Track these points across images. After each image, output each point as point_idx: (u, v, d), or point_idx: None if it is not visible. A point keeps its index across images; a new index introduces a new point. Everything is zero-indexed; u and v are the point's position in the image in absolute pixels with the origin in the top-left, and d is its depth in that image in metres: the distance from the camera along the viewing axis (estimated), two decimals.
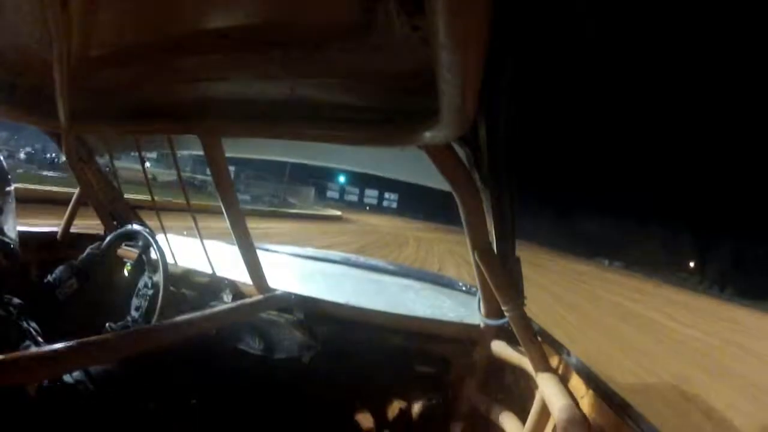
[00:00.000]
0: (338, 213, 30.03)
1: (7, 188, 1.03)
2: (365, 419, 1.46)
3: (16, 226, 1.05)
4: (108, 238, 1.44)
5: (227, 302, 1.39)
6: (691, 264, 46.97)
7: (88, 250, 1.38)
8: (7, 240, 0.98)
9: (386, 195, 64.35)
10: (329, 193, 57.36)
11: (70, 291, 1.24)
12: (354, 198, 61.68)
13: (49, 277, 1.25)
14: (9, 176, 1.06)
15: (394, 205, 65.04)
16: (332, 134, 0.83)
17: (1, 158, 1.06)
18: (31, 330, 0.94)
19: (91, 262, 1.35)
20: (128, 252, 1.61)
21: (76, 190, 1.67)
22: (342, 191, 60.20)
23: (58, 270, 1.27)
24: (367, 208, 58.98)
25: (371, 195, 63.25)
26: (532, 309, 1.11)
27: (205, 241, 1.50)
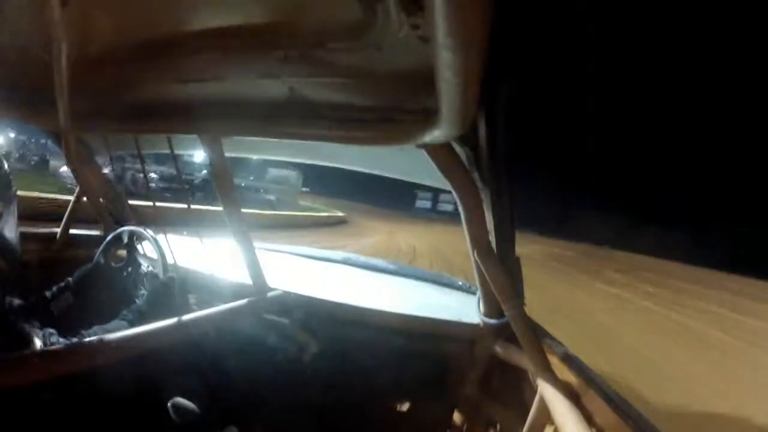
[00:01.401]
0: (340, 214, 21.93)
1: (10, 190, 1.03)
2: (365, 419, 1.46)
3: (17, 227, 1.05)
4: (102, 245, 1.43)
5: (227, 302, 1.39)
6: None
7: (79, 270, 1.36)
8: (7, 242, 0.98)
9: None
10: (419, 203, 46.56)
11: (65, 305, 1.24)
12: (426, 204, 49.23)
13: (46, 293, 1.25)
14: (11, 177, 1.06)
15: None
16: (332, 134, 0.83)
17: (3, 160, 1.06)
18: (32, 331, 0.94)
19: (85, 276, 1.34)
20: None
21: (76, 190, 1.67)
22: (435, 200, 47.91)
23: (54, 288, 1.27)
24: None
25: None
26: None
27: (205, 241, 1.50)
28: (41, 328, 0.97)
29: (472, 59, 0.46)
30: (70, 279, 1.31)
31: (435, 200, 50.69)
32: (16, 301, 0.98)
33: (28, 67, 0.96)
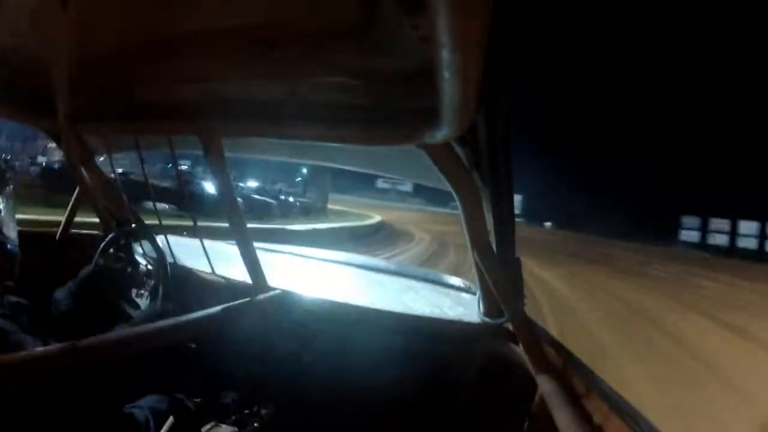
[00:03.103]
0: (377, 219, 17.17)
1: (7, 188, 1.03)
2: (365, 419, 1.46)
3: (16, 226, 1.05)
4: (102, 245, 1.42)
5: (227, 302, 1.39)
6: None
7: (80, 275, 1.34)
8: (6, 241, 0.98)
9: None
10: (684, 234, 32.29)
11: (65, 310, 1.23)
12: (694, 237, 32.50)
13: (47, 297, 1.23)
14: (8, 176, 1.06)
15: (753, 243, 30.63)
16: (332, 134, 0.83)
17: (1, 159, 1.06)
18: (32, 330, 0.94)
19: (86, 281, 1.32)
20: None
21: (76, 190, 1.67)
22: (704, 229, 31.96)
23: (55, 293, 1.25)
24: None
25: (750, 233, 30.72)
26: None
27: (205, 241, 1.50)
28: (41, 328, 0.97)
29: (472, 59, 0.46)
30: (70, 284, 1.29)
31: (704, 229, 32.93)
32: (17, 300, 0.98)
33: (28, 67, 0.96)
